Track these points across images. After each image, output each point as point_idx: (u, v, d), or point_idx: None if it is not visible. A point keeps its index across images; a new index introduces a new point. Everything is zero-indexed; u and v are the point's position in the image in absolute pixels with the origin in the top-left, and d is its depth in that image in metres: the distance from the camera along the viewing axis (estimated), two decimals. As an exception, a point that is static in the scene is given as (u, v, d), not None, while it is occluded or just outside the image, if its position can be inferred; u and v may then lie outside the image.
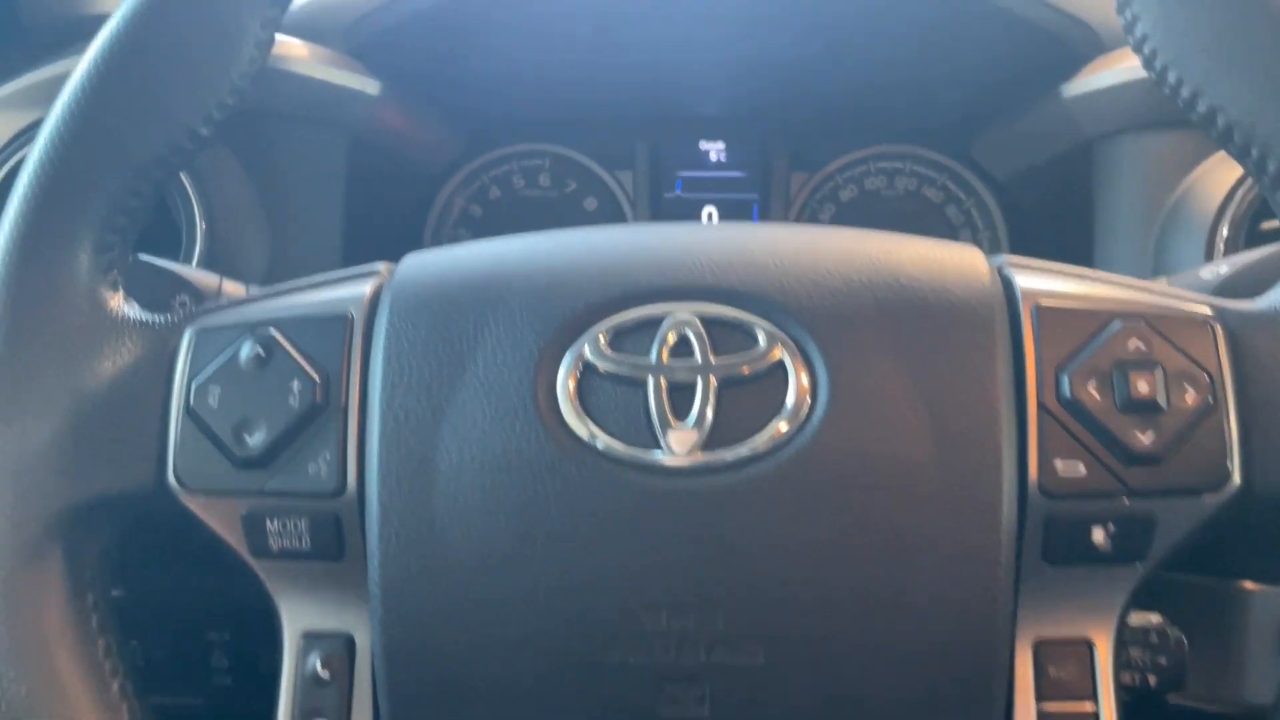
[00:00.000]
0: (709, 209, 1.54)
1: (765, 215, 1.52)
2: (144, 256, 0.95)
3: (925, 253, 0.74)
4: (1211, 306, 0.70)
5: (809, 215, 1.52)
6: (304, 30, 1.26)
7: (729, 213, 1.54)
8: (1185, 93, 0.69)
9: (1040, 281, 0.73)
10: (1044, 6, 1.17)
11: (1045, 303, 0.70)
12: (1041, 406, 0.67)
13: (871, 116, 1.49)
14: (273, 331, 0.71)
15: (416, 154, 1.44)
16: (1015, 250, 1.45)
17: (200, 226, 1.20)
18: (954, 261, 0.73)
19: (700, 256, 0.71)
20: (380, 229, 1.40)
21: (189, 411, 0.70)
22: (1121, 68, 1.15)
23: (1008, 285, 0.71)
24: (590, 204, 1.54)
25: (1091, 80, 1.18)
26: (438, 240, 1.54)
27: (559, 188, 1.55)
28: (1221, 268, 0.90)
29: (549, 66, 1.39)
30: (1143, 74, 1.17)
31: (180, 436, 0.70)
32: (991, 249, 1.47)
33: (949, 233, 1.49)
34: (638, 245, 0.74)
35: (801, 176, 1.52)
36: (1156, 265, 1.15)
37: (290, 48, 1.23)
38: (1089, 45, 1.18)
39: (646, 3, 1.27)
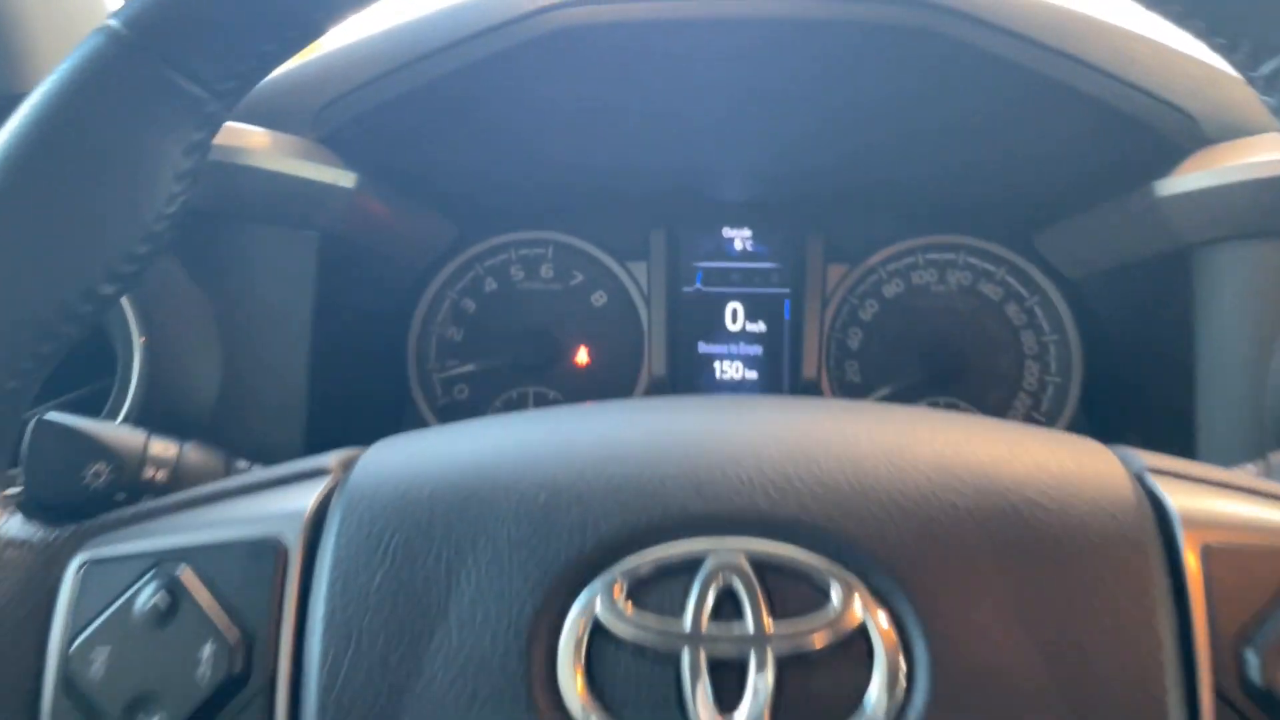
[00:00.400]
0: (734, 305, 1.36)
1: (798, 312, 1.33)
2: (52, 415, 0.76)
3: (1045, 458, 0.55)
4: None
5: (848, 313, 1.33)
6: (268, 116, 1.08)
7: (757, 309, 1.35)
8: None
9: (1199, 500, 0.54)
10: (1138, 93, 0.99)
11: (1214, 540, 0.51)
12: (1220, 696, 0.49)
13: (921, 203, 1.31)
14: (181, 571, 0.53)
15: (400, 248, 1.26)
16: (1094, 364, 1.26)
17: (138, 348, 1.02)
18: (1086, 472, 0.55)
19: (748, 468, 0.53)
20: (357, 335, 1.22)
21: (66, 683, 0.52)
22: (1229, 165, 0.96)
23: (1160, 511, 0.53)
24: (599, 299, 1.36)
25: (1192, 179, 0.99)
26: (425, 341, 1.36)
27: (563, 280, 1.37)
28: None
29: (550, 149, 1.21)
30: (1256, 173, 1.01)
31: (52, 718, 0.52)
32: (1059, 355, 1.28)
33: (1009, 333, 1.30)
34: (664, 445, 0.56)
35: (840, 269, 1.34)
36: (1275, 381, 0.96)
37: (250, 137, 1.05)
38: (1188, 138, 1.00)
39: (663, 80, 1.08)
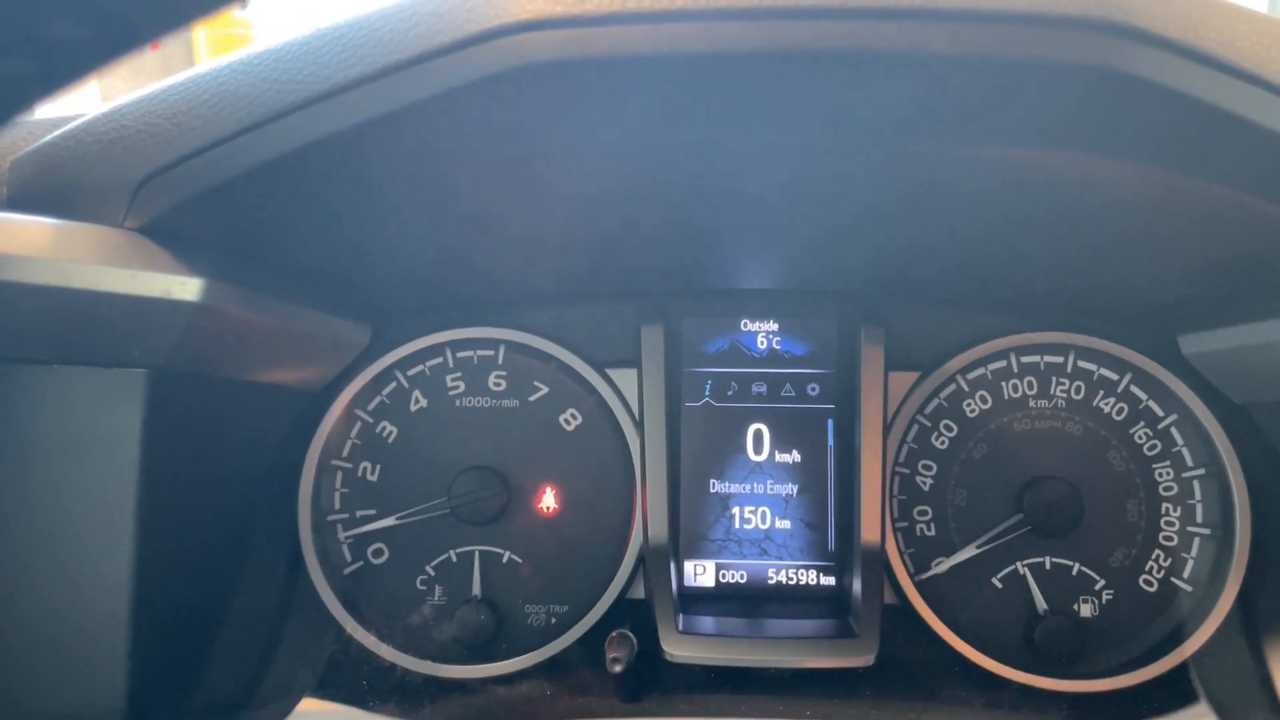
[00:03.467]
0: (757, 426, 0.98)
1: (845, 438, 0.96)
2: None
3: None
4: None
5: (918, 438, 0.97)
6: (57, 196, 0.68)
7: (790, 432, 0.98)
8: None
9: None
10: None
11: None
12: None
13: (1014, 290, 0.95)
14: None
15: (282, 368, 0.86)
16: (1267, 515, 0.91)
17: None
18: None
19: None
20: (215, 503, 0.82)
21: None
22: None
23: None
24: (570, 419, 0.98)
25: None
26: (325, 485, 0.97)
27: (520, 394, 0.98)
28: None
29: (500, 218, 0.83)
30: None
31: None
32: (1210, 498, 0.93)
33: (1140, 466, 0.95)
34: None
35: (904, 377, 0.97)
36: None
37: (19, 234, 0.65)
38: None
39: (653, 124, 0.70)
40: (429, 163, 0.71)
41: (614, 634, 0.88)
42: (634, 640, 0.87)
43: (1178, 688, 0.91)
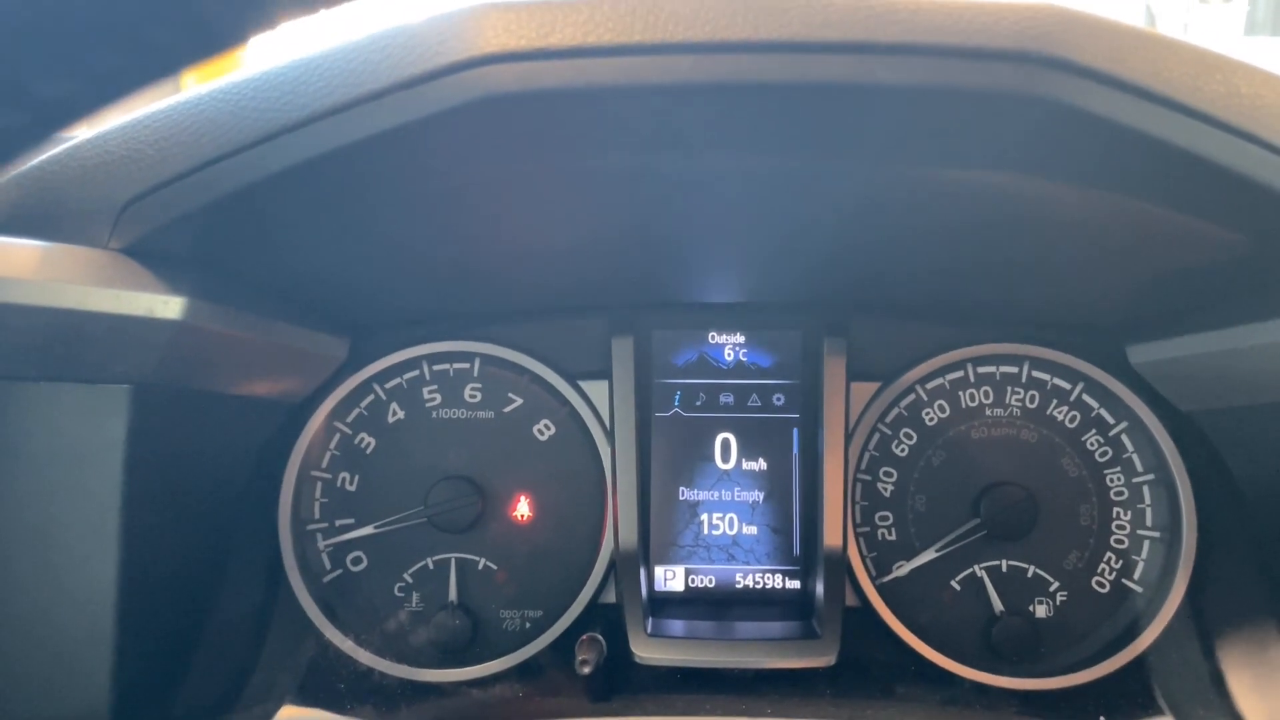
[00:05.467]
0: (725, 435, 1.02)
1: (809, 446, 1.00)
2: None
3: None
4: None
5: (879, 446, 1.00)
6: (42, 219, 0.71)
7: (756, 440, 1.01)
8: None
9: None
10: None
11: None
12: None
13: (972, 303, 0.98)
14: None
15: (262, 381, 0.89)
16: (1212, 520, 0.95)
17: None
18: None
19: None
20: (198, 511, 0.85)
21: None
22: None
23: None
24: (543, 429, 1.01)
25: None
26: (304, 495, 0.99)
27: (495, 406, 1.01)
28: None
29: (473, 236, 0.86)
30: None
31: None
32: (1159, 503, 0.97)
33: (1092, 472, 0.98)
34: None
35: (865, 387, 1.00)
36: None
37: (6, 256, 0.68)
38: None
39: (622, 148, 0.74)
40: (403, 186, 0.74)
41: (584, 637, 0.91)
42: (603, 643, 0.90)
43: (1130, 685, 0.94)
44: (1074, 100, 0.63)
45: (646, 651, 0.91)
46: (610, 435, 0.99)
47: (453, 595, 0.98)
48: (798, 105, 0.65)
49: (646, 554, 0.99)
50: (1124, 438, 0.99)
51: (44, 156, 0.75)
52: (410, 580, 1.00)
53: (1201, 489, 0.95)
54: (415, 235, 0.84)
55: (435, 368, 1.02)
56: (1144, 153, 0.66)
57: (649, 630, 0.93)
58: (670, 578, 1.01)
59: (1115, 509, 0.98)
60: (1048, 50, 0.62)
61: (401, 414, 1.01)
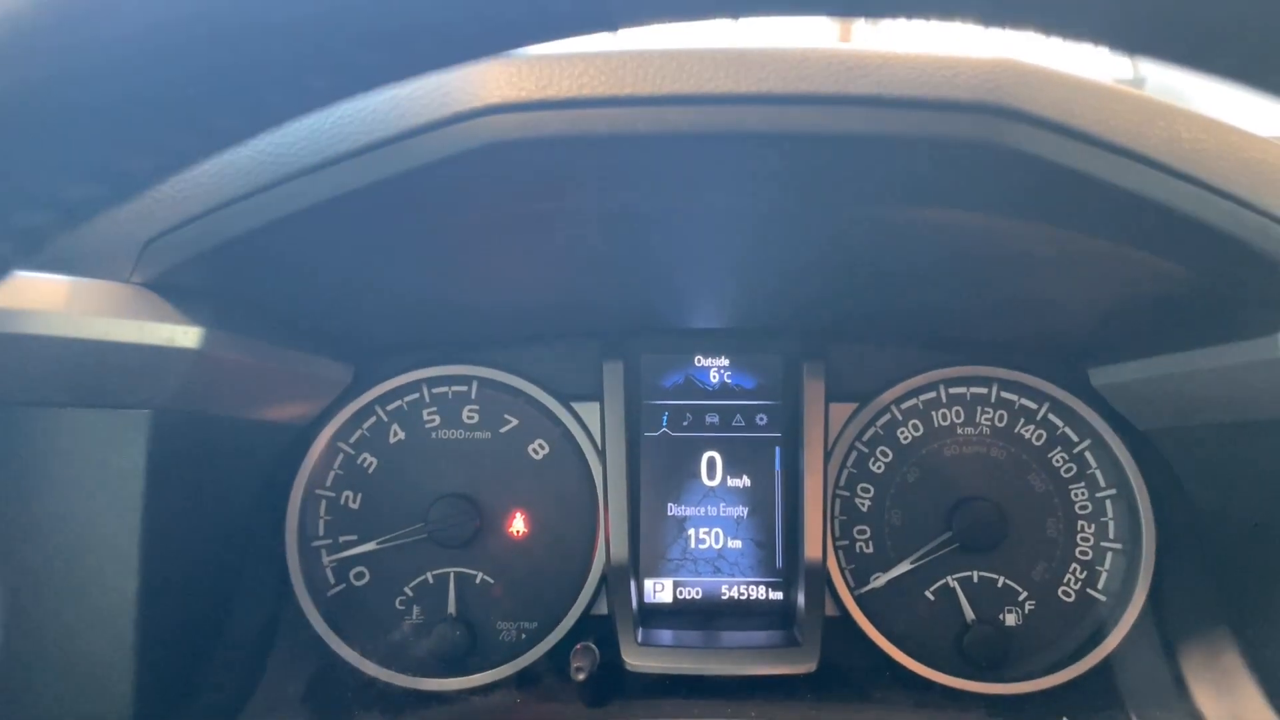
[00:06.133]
0: (710, 454, 1.07)
1: (793, 463, 1.05)
2: None
3: None
4: None
5: (857, 463, 1.06)
6: (70, 256, 0.76)
7: (740, 458, 1.07)
8: None
9: None
10: (1274, 223, 0.73)
11: None
12: None
13: (943, 329, 1.04)
14: None
15: (272, 406, 0.94)
16: (1170, 534, 1.00)
17: None
18: None
19: None
20: (212, 529, 0.90)
21: None
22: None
23: None
24: (538, 449, 1.06)
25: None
26: (310, 513, 1.04)
27: (491, 426, 1.06)
28: None
29: (470, 271, 0.92)
30: None
31: None
32: (1120, 516, 1.03)
33: (1058, 487, 1.04)
34: None
35: (844, 408, 1.06)
36: None
37: (39, 291, 0.72)
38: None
39: (613, 192, 0.79)
40: (409, 225, 0.79)
41: (578, 646, 0.96)
42: (597, 652, 0.95)
43: (1095, 688, 1.00)
44: (1026, 147, 0.68)
45: (637, 660, 0.96)
46: (601, 454, 1.04)
47: (451, 608, 1.03)
48: (775, 152, 0.71)
49: (637, 567, 1.04)
50: (1087, 455, 1.04)
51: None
52: (411, 594, 1.04)
53: (1160, 503, 1.01)
54: (419, 271, 0.89)
55: (435, 390, 1.06)
56: (1094, 194, 0.72)
57: (639, 640, 0.98)
58: (659, 590, 1.06)
59: (1080, 522, 1.04)
60: (1002, 101, 0.67)
61: (402, 435, 1.06)
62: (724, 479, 1.07)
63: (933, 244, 0.85)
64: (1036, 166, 0.70)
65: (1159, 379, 0.93)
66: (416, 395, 1.06)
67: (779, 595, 1.05)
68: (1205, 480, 0.95)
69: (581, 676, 0.90)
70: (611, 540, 1.02)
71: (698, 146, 0.71)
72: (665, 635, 1.01)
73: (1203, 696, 0.93)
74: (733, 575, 1.06)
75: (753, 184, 0.78)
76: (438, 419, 1.06)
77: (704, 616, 1.05)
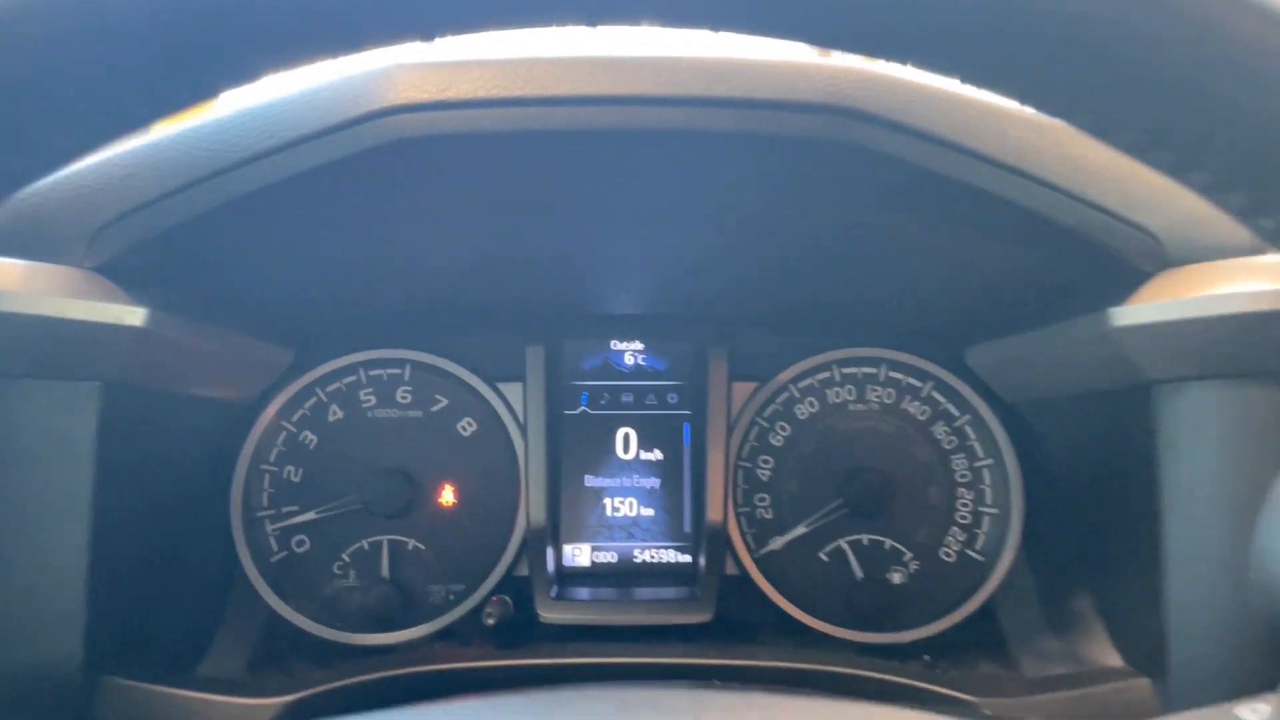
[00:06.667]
0: (625, 430, 1.16)
1: (700, 438, 1.15)
2: None
3: None
4: None
5: (758, 437, 1.16)
6: (24, 242, 0.85)
7: (653, 434, 1.16)
8: None
9: None
10: (1092, 209, 0.83)
11: None
12: None
13: (837, 315, 1.14)
14: None
15: (215, 384, 1.03)
16: (1036, 498, 1.11)
17: None
18: None
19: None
20: (160, 495, 0.98)
21: None
22: (1197, 297, 0.82)
23: None
24: (466, 426, 1.15)
25: (1154, 309, 0.84)
26: (254, 485, 1.13)
27: (423, 405, 1.15)
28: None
29: (400, 261, 1.01)
30: (1227, 306, 0.87)
31: None
32: (995, 484, 1.13)
33: (940, 457, 1.14)
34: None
35: (746, 387, 1.16)
36: (1268, 573, 0.81)
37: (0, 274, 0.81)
38: (1149, 259, 0.85)
39: (525, 188, 0.89)
40: (333, 215, 0.89)
41: (494, 598, 1.05)
42: (509, 602, 1.05)
43: (971, 635, 1.10)
44: (868, 144, 0.79)
45: (550, 613, 1.06)
46: (524, 430, 1.14)
47: (385, 572, 1.12)
48: (650, 148, 0.81)
49: (556, 534, 1.14)
50: (967, 428, 1.15)
51: (28, 188, 0.89)
52: (348, 559, 1.13)
53: (1029, 470, 1.12)
54: (348, 260, 0.98)
55: (371, 373, 1.16)
56: (933, 187, 0.82)
57: (553, 595, 1.07)
58: (578, 554, 1.15)
59: (959, 489, 1.14)
60: (844, 103, 0.78)
61: (341, 414, 1.15)
62: (638, 453, 1.16)
63: (808, 236, 0.95)
64: (880, 162, 0.81)
65: (1019, 356, 1.04)
66: (354, 377, 1.15)
67: (687, 558, 1.15)
68: (1062, 447, 1.05)
69: (491, 621, 0.99)
70: (531, 509, 1.11)
71: (581, 143, 0.81)
72: (582, 593, 1.10)
73: (1063, 639, 1.03)
74: (645, 540, 1.15)
75: (639, 180, 0.88)
76: (374, 399, 1.15)
77: (619, 578, 1.14)
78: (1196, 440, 0.86)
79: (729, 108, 0.78)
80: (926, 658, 1.05)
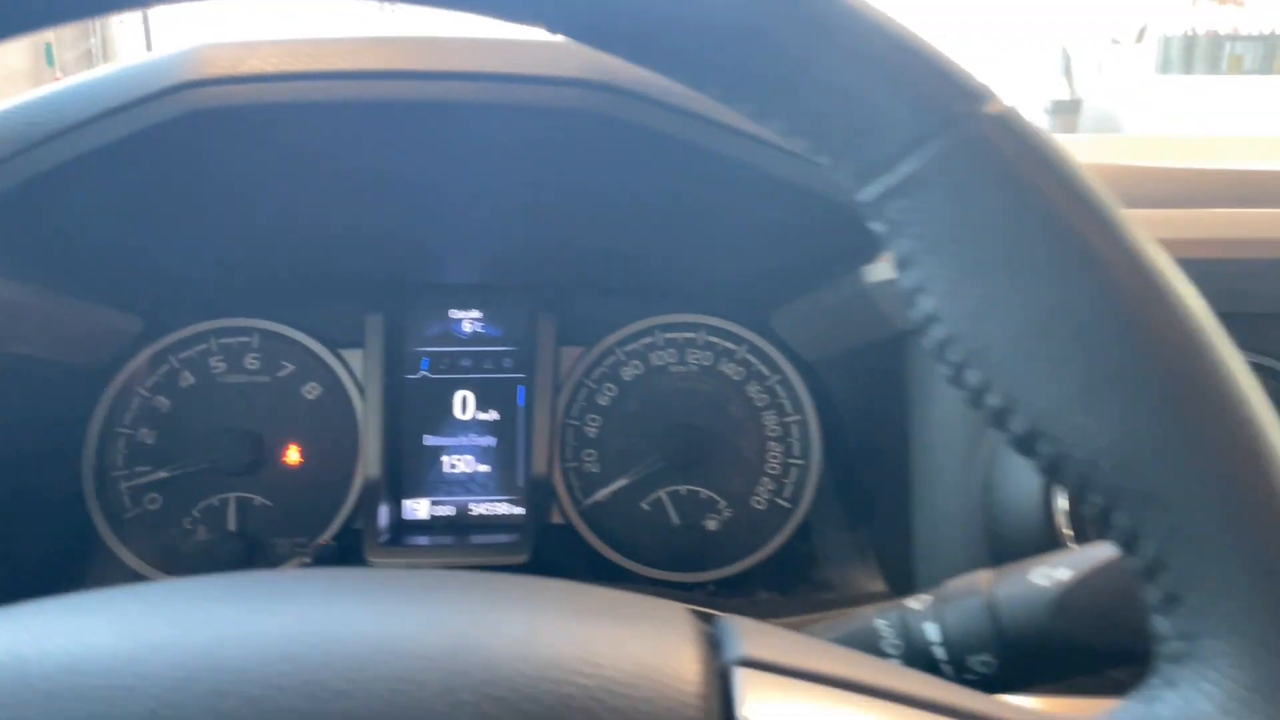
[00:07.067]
0: (463, 393, 1.25)
1: (531, 400, 1.23)
2: None
3: (599, 650, 0.46)
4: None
5: (586, 397, 1.25)
6: None
7: (489, 396, 1.25)
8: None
9: (787, 705, 0.46)
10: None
11: None
12: None
13: (657, 283, 1.23)
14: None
15: (60, 351, 1.10)
16: (831, 449, 1.21)
17: None
18: (643, 672, 0.46)
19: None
20: (4, 456, 1.05)
21: None
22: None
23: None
24: (311, 390, 1.23)
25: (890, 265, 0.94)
26: (109, 446, 1.20)
27: (271, 371, 1.23)
28: (1060, 571, 0.66)
29: (239, 231, 1.09)
30: None
31: None
32: (801, 437, 1.22)
33: (751, 415, 1.24)
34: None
35: (574, 351, 1.25)
36: (989, 502, 0.91)
37: None
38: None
39: (342, 163, 0.97)
40: (156, 188, 0.96)
41: (315, 542, 1.14)
42: (335, 545, 1.13)
43: (769, 573, 1.20)
44: (623, 115, 0.88)
45: (377, 559, 1.14)
46: (363, 394, 1.22)
47: (232, 526, 1.19)
48: (429, 122, 0.90)
49: (395, 489, 1.22)
50: (776, 387, 1.24)
51: None
52: (198, 515, 1.20)
53: (827, 424, 1.22)
54: (182, 231, 1.06)
55: (221, 340, 1.23)
56: (694, 155, 0.92)
57: (380, 543, 1.16)
58: (417, 508, 1.24)
59: (770, 443, 1.24)
60: (599, 77, 0.87)
61: (192, 379, 1.22)
62: (475, 414, 1.25)
63: (609, 206, 1.04)
64: (638, 133, 0.90)
65: (809, 316, 1.14)
66: (205, 345, 1.23)
67: (520, 510, 1.23)
68: (849, 400, 1.16)
69: (307, 560, 1.08)
70: (367, 466, 1.19)
71: (368, 116, 0.90)
72: (421, 540, 1.19)
73: (843, 572, 1.13)
74: (482, 495, 1.24)
75: (434, 154, 0.96)
76: (224, 365, 1.23)
77: (457, 530, 1.23)
78: (934, 385, 0.96)
79: (489, 81, 0.87)
80: (710, 588, 1.15)
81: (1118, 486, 0.44)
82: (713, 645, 0.51)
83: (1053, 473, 0.46)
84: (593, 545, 1.20)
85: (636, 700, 0.45)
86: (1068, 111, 7.68)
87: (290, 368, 1.23)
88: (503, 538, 1.19)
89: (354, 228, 1.11)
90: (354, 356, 1.24)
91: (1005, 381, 0.47)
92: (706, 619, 0.55)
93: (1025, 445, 0.47)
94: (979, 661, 0.66)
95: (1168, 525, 0.43)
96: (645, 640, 0.49)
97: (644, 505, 1.23)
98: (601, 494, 1.22)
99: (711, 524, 1.22)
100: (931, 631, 0.67)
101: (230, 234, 1.09)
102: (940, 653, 0.67)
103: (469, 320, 1.26)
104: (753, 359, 1.25)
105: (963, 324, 0.50)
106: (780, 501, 1.22)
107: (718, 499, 1.23)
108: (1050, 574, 0.65)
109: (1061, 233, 0.48)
